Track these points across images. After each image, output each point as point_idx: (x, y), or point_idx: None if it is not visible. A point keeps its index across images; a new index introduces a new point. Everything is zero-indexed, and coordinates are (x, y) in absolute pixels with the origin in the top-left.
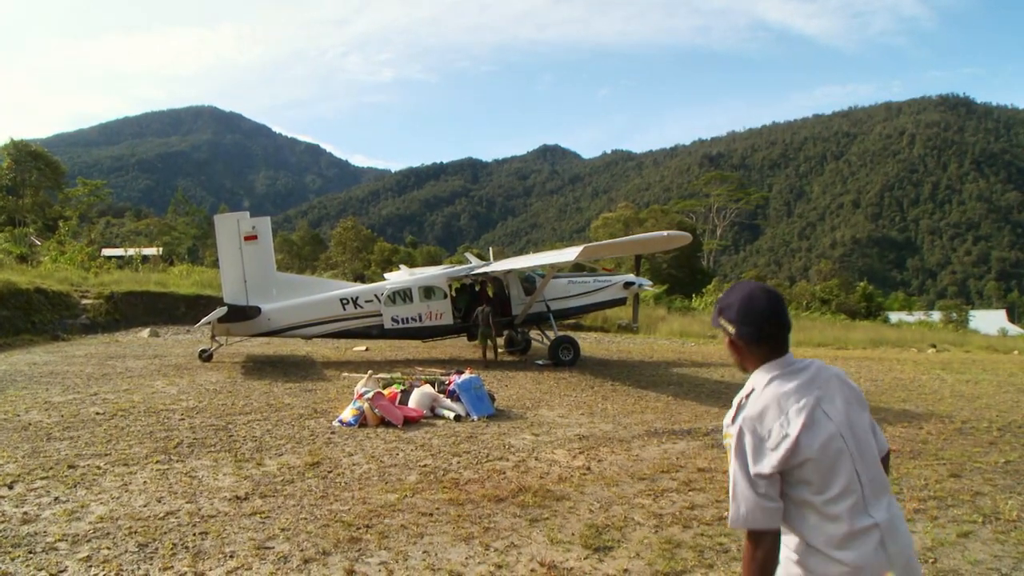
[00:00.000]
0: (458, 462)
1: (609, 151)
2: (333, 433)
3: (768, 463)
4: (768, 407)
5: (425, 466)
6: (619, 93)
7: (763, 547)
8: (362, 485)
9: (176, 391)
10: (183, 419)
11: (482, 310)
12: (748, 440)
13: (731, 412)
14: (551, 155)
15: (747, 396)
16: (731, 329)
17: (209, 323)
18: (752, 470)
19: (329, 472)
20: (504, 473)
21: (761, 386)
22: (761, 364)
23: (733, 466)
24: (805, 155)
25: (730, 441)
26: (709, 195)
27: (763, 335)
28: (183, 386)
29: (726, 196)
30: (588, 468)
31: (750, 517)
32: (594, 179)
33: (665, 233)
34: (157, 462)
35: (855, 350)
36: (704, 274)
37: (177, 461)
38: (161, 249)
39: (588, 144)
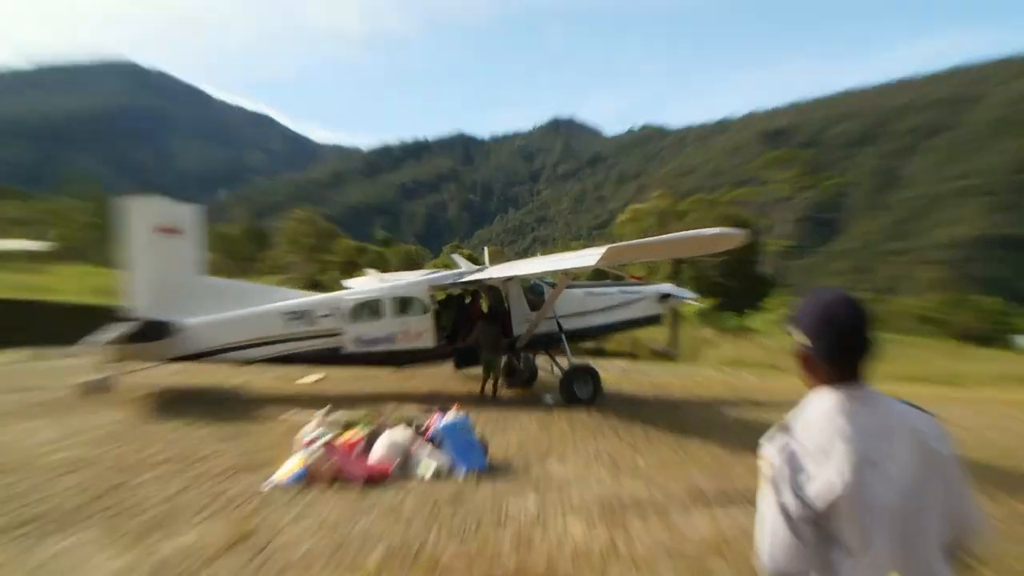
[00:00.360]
0: (438, 535)
1: (638, 126)
2: (269, 495)
3: (801, 500)
4: (814, 437)
5: (393, 541)
6: (650, 50)
7: None
8: (307, 567)
9: (55, 436)
10: (61, 476)
11: (486, 327)
12: (785, 468)
13: (774, 430)
14: (564, 130)
15: (797, 418)
16: (801, 340)
17: (107, 343)
18: (783, 501)
19: (262, 549)
20: (499, 550)
21: (816, 411)
22: (826, 385)
23: (764, 494)
24: (898, 129)
25: (765, 465)
26: (769, 182)
27: (835, 353)
28: (65, 430)
29: (792, 183)
30: (613, 545)
31: (776, 555)
32: (619, 161)
33: (712, 231)
34: (17, 538)
35: (976, 388)
36: (764, 284)
37: (47, 536)
38: (48, 243)
39: (611, 117)
